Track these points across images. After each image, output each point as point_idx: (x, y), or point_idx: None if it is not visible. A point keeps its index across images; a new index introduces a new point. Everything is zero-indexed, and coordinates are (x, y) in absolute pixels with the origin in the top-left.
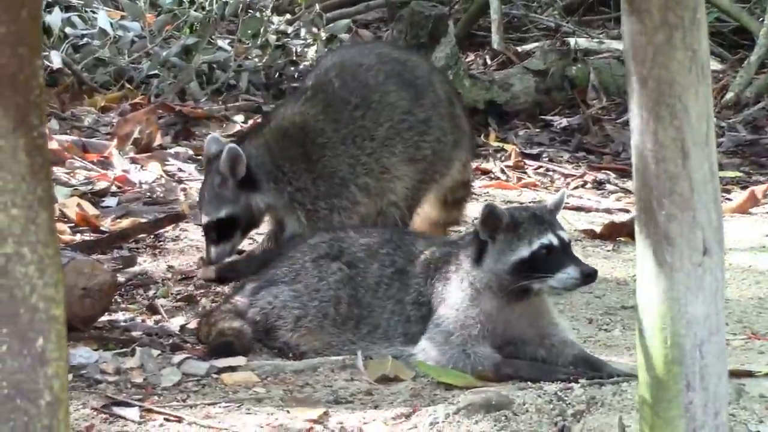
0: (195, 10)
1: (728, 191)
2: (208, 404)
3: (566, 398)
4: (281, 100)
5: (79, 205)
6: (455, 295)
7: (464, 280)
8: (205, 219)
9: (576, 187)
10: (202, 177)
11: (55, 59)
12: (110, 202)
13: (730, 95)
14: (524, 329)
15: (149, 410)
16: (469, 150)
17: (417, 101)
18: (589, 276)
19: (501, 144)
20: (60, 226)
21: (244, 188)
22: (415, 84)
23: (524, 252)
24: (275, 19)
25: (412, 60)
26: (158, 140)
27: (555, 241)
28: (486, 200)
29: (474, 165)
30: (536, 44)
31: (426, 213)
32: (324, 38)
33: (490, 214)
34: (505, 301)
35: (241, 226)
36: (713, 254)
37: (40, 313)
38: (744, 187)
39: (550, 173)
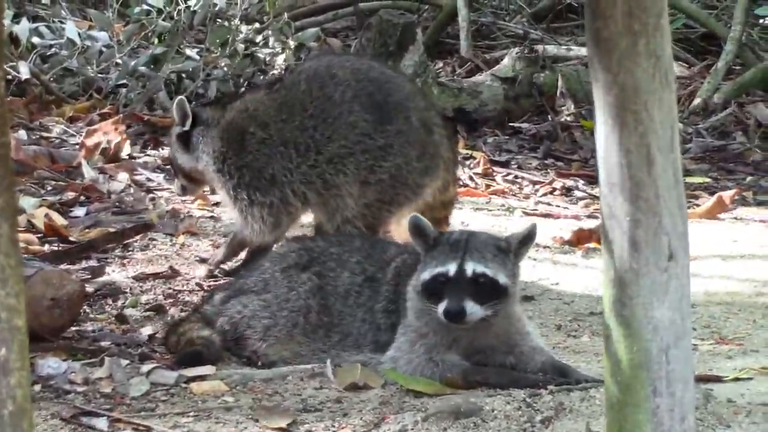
0: (163, 20)
1: (696, 197)
2: (177, 414)
3: (535, 405)
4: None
5: (47, 215)
6: (422, 303)
7: None
8: None
9: (545, 194)
10: None
11: (23, 70)
12: (79, 212)
13: (697, 101)
14: (492, 338)
15: (118, 420)
16: (447, 175)
17: (380, 125)
18: (446, 313)
19: (470, 151)
20: (28, 236)
21: (182, 142)
22: (384, 108)
23: (426, 275)
24: (243, 28)
25: (392, 83)
26: (126, 150)
27: (451, 273)
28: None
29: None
30: (505, 51)
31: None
32: (293, 47)
33: (415, 225)
34: None
35: (180, 173)
36: (679, 260)
37: (2, 323)
38: (712, 193)
39: (519, 180)
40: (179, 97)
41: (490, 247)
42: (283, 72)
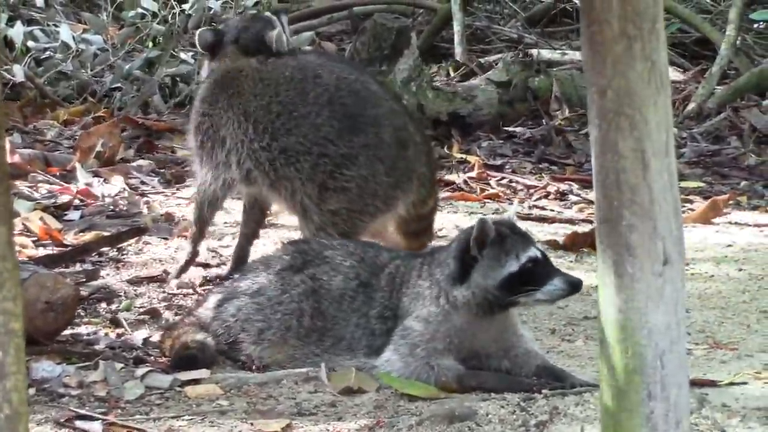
0: (158, 23)
1: (690, 201)
2: (172, 417)
3: (529, 409)
4: None
5: (41, 218)
6: (427, 309)
7: (440, 296)
8: None
9: (539, 198)
10: None
11: (18, 73)
12: (73, 215)
13: (692, 106)
14: (490, 343)
15: (112, 424)
16: (422, 190)
17: (347, 135)
18: (575, 285)
19: (464, 155)
20: (23, 239)
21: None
22: (355, 119)
23: (514, 266)
24: None
25: (372, 98)
26: (121, 153)
27: (538, 254)
28: (449, 212)
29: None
30: (499, 56)
31: (393, 240)
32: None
33: (483, 229)
34: (477, 317)
35: None
36: (674, 264)
37: None
38: (706, 197)
39: (513, 184)
40: (200, 30)
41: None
42: (291, 48)
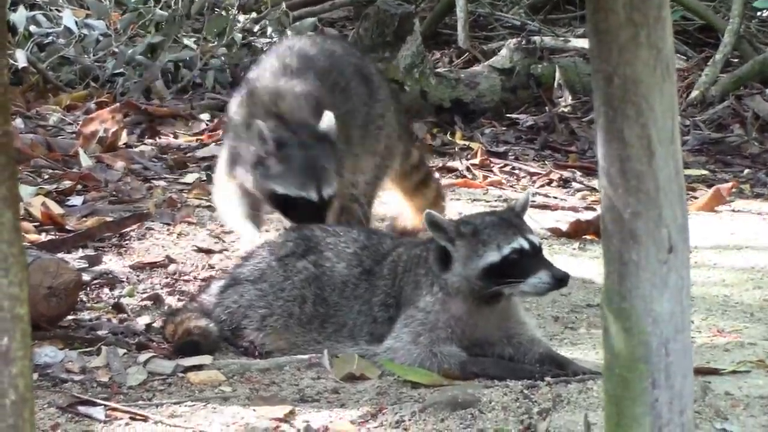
0: (160, 9)
1: (693, 189)
2: (174, 403)
3: (532, 396)
4: None
5: (44, 204)
6: (427, 298)
7: (434, 284)
8: None
9: (542, 186)
10: None
11: (20, 58)
12: (75, 201)
13: (695, 93)
14: (492, 331)
15: (115, 409)
16: (407, 141)
17: (372, 97)
18: (561, 280)
19: (467, 142)
20: (25, 225)
21: None
22: (371, 80)
23: (493, 257)
24: (241, 17)
25: (364, 59)
26: (124, 139)
27: (525, 245)
28: (452, 199)
29: (440, 163)
30: (502, 43)
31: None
32: (290, 36)
33: (433, 220)
34: (476, 305)
35: None
36: (679, 252)
37: (4, 312)
38: (709, 186)
39: (516, 171)
40: None
41: (517, 218)
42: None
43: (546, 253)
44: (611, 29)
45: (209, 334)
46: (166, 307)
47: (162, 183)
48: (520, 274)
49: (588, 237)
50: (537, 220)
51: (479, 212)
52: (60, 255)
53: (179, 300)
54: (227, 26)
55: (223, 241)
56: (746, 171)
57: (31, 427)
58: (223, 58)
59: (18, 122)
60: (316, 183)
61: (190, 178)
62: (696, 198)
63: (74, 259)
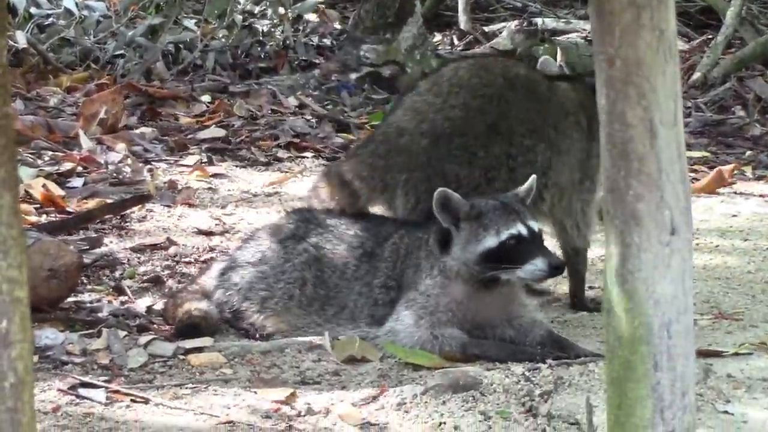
0: None
1: (695, 171)
2: (175, 385)
3: (534, 378)
4: (248, 80)
5: (44, 185)
6: (426, 281)
7: (434, 267)
8: None
9: None
10: None
11: (21, 39)
12: (76, 182)
13: (697, 75)
14: (494, 314)
15: (116, 392)
16: None
17: None
18: (557, 268)
19: None
20: (25, 207)
21: None
22: None
23: (492, 242)
24: None
25: None
26: (124, 121)
27: (524, 232)
28: None
29: None
30: (503, 24)
31: None
32: (291, 18)
33: (444, 199)
34: (476, 288)
35: None
36: (681, 234)
37: (3, 294)
38: (711, 167)
39: None
40: None
41: (520, 204)
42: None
43: (546, 235)
44: (614, 11)
45: (210, 316)
46: (166, 290)
47: (162, 165)
48: (517, 260)
49: None
50: None
51: (483, 197)
52: (60, 237)
53: (180, 282)
54: (228, 8)
55: (224, 223)
56: (748, 153)
57: (30, 409)
58: (223, 39)
59: (18, 104)
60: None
61: (190, 160)
62: (697, 180)
63: (75, 241)
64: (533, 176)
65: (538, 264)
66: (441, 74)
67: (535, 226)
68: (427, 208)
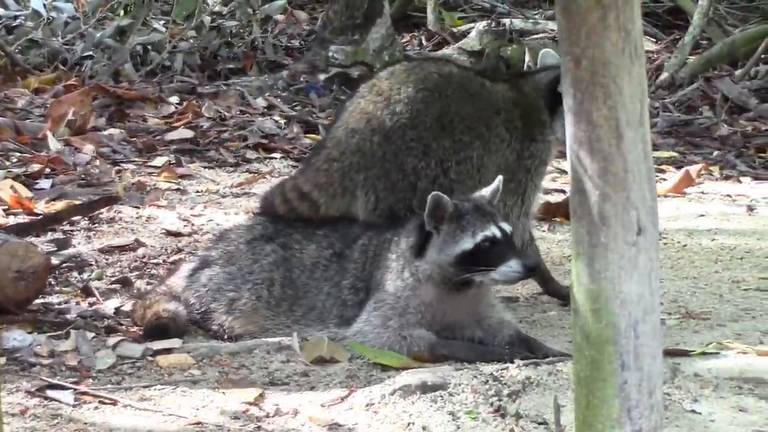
0: None
1: (663, 171)
2: (144, 387)
3: (502, 378)
4: (216, 81)
5: (12, 187)
6: (397, 282)
7: (406, 269)
8: None
9: None
10: None
11: None
12: (44, 184)
13: (664, 75)
14: (463, 315)
15: (84, 393)
16: None
17: None
18: (531, 269)
19: None
20: None
21: None
22: None
23: (467, 244)
24: (210, 0)
25: None
26: (92, 122)
27: (497, 234)
28: None
29: None
30: (472, 25)
31: None
32: (259, 19)
33: (437, 203)
34: (446, 291)
35: None
36: (648, 234)
37: None
38: (679, 167)
39: None
40: None
41: (489, 205)
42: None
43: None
44: (580, 11)
45: (178, 317)
46: (135, 291)
47: (131, 166)
48: (491, 262)
49: (557, 219)
50: None
51: (456, 197)
52: (28, 238)
53: (148, 283)
54: (196, 9)
55: (193, 224)
56: (715, 153)
57: None
58: (192, 40)
59: None
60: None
61: (159, 161)
62: (665, 180)
63: (43, 242)
64: (499, 177)
65: (512, 265)
66: (378, 77)
67: (507, 227)
68: (388, 206)
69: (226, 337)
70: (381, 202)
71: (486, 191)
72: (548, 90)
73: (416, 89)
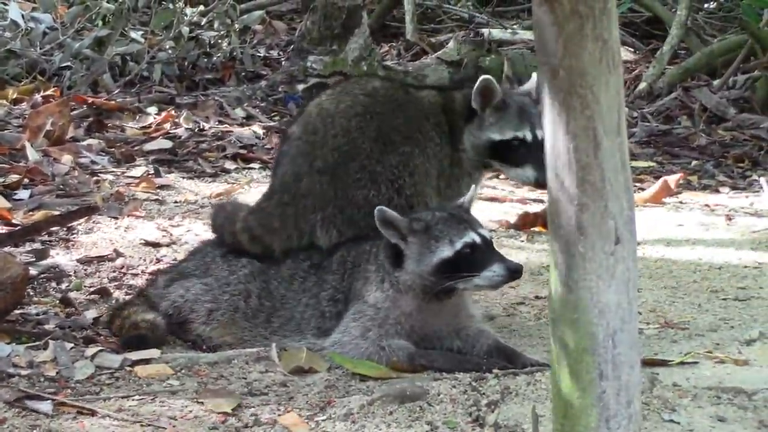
0: (107, 2)
1: (641, 181)
2: (122, 397)
3: (481, 388)
4: (195, 91)
5: None
6: (376, 294)
7: (385, 280)
8: None
9: (490, 178)
10: None
11: None
12: (23, 194)
13: (643, 85)
14: (442, 326)
15: (62, 404)
16: None
17: None
18: (515, 272)
19: None
20: None
21: None
22: None
23: (446, 252)
24: (188, 10)
25: None
26: (71, 132)
27: (477, 239)
28: None
29: None
30: (450, 35)
31: None
32: (237, 30)
33: (384, 218)
34: (426, 301)
35: None
36: (625, 243)
37: None
38: (657, 177)
39: None
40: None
41: (467, 213)
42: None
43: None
44: (557, 21)
45: (156, 327)
46: (113, 301)
47: (109, 176)
48: (474, 267)
49: (536, 229)
50: (485, 212)
51: (429, 209)
52: (6, 249)
53: (127, 294)
54: (175, 19)
55: (171, 235)
56: (694, 162)
57: None
58: (170, 51)
59: None
60: (529, 124)
61: (137, 171)
62: (643, 190)
63: (21, 253)
64: (474, 186)
65: (496, 270)
66: (308, 113)
67: (486, 233)
68: (351, 237)
69: (204, 347)
70: (343, 234)
71: (463, 200)
72: (465, 103)
73: (348, 118)
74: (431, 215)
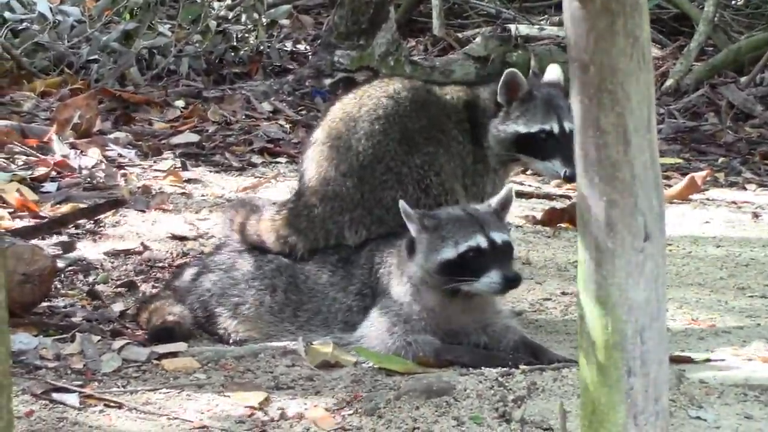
0: None
1: (668, 178)
2: (149, 390)
3: (507, 384)
4: (222, 85)
5: (18, 190)
6: (397, 288)
7: (404, 274)
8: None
9: (517, 173)
10: None
11: None
12: (50, 187)
13: (670, 82)
14: (467, 321)
15: (89, 396)
16: None
17: None
18: (511, 281)
19: None
20: None
21: None
22: None
23: (450, 253)
24: (216, 4)
25: None
26: (98, 125)
27: (483, 244)
28: None
29: None
30: (477, 30)
31: None
32: (265, 24)
33: (405, 212)
34: (448, 296)
35: None
36: (654, 240)
37: None
38: (684, 174)
39: None
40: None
41: (492, 215)
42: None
43: (520, 240)
44: (588, 17)
45: (184, 320)
46: (140, 294)
47: (136, 170)
48: (474, 272)
49: (563, 225)
50: (512, 208)
51: (449, 207)
52: (34, 241)
53: (154, 287)
54: (202, 13)
55: (198, 228)
56: (721, 159)
57: (8, 412)
58: (197, 45)
59: None
60: (557, 116)
61: (164, 164)
62: (670, 186)
63: (48, 245)
64: (509, 186)
65: (492, 277)
66: (331, 119)
67: (498, 238)
68: (382, 234)
69: (231, 341)
70: (373, 234)
71: (494, 200)
72: (491, 98)
73: (370, 121)
74: (445, 214)
